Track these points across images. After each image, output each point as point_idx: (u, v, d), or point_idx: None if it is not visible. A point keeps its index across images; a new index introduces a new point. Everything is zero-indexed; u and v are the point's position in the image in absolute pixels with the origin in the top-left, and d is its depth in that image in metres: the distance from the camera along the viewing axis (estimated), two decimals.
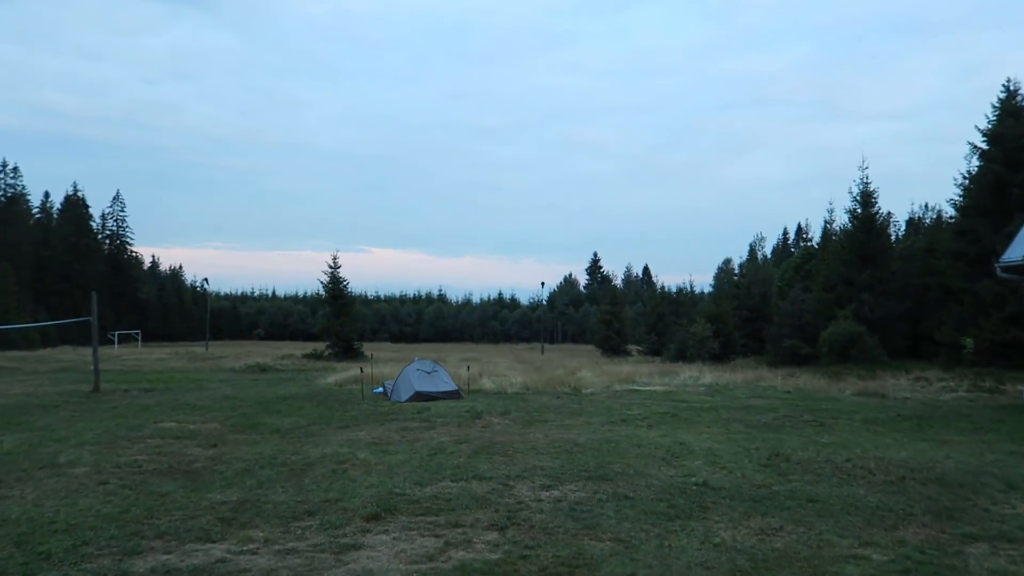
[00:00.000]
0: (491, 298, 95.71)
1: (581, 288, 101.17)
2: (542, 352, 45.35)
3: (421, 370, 15.79)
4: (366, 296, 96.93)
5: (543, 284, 53.15)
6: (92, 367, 18.07)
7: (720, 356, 29.56)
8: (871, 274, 23.12)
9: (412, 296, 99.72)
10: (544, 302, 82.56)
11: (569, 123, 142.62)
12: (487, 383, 18.12)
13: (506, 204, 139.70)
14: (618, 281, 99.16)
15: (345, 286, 35.69)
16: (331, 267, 35.85)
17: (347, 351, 33.38)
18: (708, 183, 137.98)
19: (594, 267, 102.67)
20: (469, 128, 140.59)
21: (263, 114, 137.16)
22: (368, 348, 41.47)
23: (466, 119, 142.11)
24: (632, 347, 43.81)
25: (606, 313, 45.12)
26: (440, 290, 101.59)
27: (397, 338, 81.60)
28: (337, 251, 33.85)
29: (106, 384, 17.03)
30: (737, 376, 20.47)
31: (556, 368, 23.77)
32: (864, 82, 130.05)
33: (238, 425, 11.18)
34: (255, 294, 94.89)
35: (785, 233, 73.45)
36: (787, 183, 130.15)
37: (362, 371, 17.19)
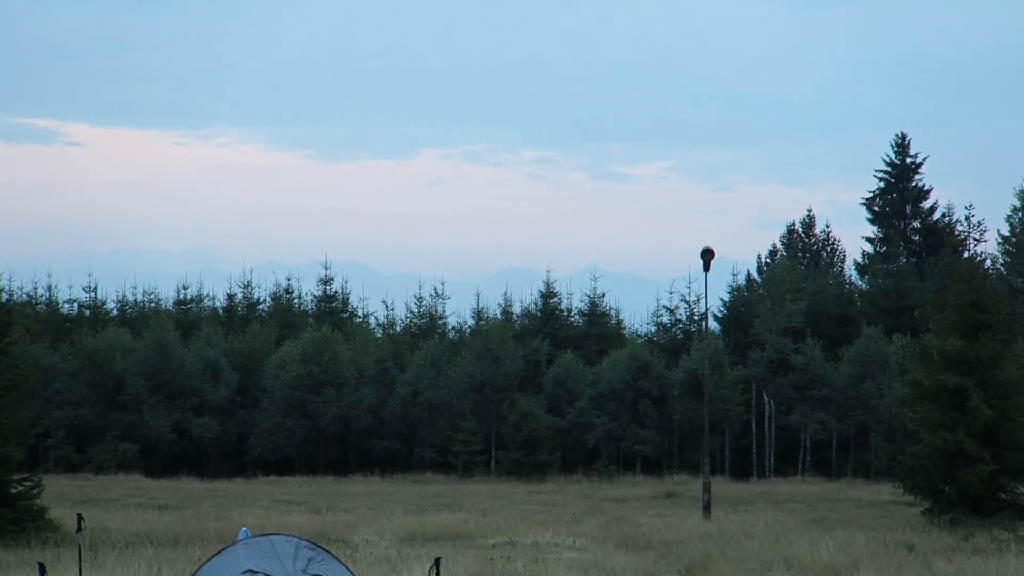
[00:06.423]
0: (518, 308, 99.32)
1: (851, 273, 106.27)
2: (706, 507, 48.04)
3: (263, 574, 17.89)
4: (56, 305, 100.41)
5: (708, 261, 53.40)
6: None
7: None
8: None
9: (229, 302, 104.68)
10: (712, 323, 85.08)
11: None
12: None
13: None
14: (988, 245, 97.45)
15: None
16: None
17: None
18: None
19: (896, 188, 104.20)
20: None
21: None
22: (66, 489, 47.15)
23: None
24: None
25: (948, 363, 46.18)
26: (341, 283, 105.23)
27: (176, 457, 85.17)
28: None
29: None
30: None
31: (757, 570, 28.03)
32: None
33: None
34: None
35: None
36: None
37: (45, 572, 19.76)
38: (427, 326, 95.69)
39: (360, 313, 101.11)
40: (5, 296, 57.83)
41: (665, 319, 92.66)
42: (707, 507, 46.08)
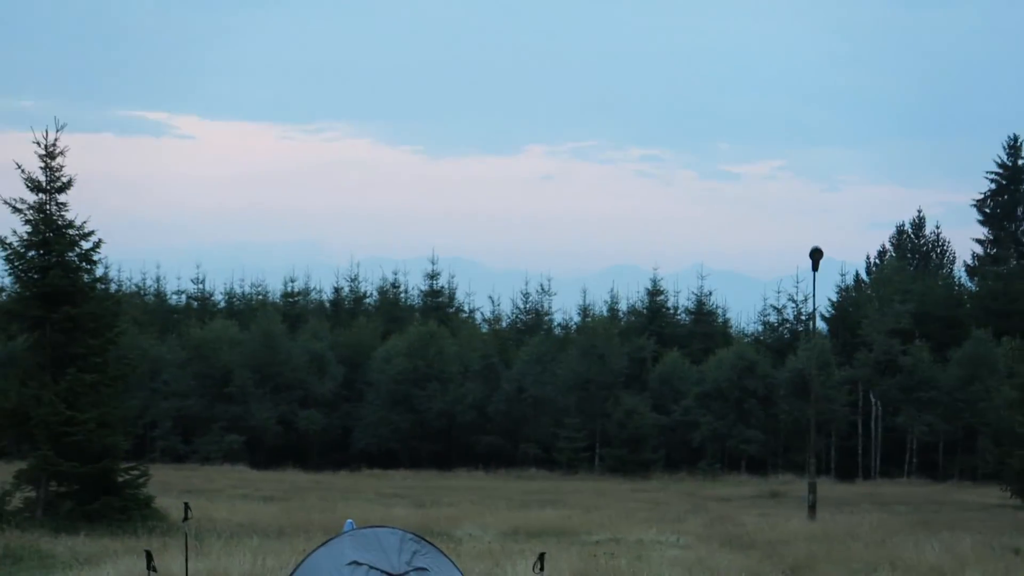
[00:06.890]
0: (624, 305, 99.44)
1: (960, 275, 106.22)
2: (811, 507, 47.77)
3: (368, 566, 17.80)
4: (164, 296, 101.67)
5: (816, 261, 53.08)
6: None
7: None
8: None
9: (336, 296, 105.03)
10: (819, 323, 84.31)
11: None
12: None
13: None
14: None
15: (90, 252, 40.08)
16: (34, 186, 39.61)
17: (93, 492, 37.09)
18: None
19: (1007, 190, 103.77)
20: None
21: None
22: (172, 479, 47.22)
23: None
24: None
25: None
26: (447, 278, 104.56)
27: (281, 449, 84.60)
28: (58, 129, 38.24)
29: None
30: None
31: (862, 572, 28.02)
32: None
33: None
34: None
35: None
36: None
37: (154, 569, 19.18)
38: (533, 322, 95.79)
39: (466, 308, 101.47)
40: (114, 286, 58.66)
41: (772, 318, 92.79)
42: (812, 507, 45.95)
